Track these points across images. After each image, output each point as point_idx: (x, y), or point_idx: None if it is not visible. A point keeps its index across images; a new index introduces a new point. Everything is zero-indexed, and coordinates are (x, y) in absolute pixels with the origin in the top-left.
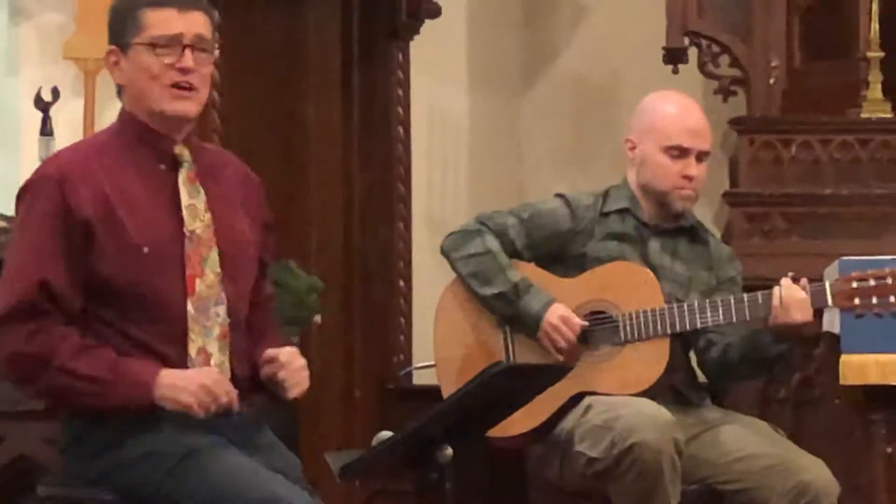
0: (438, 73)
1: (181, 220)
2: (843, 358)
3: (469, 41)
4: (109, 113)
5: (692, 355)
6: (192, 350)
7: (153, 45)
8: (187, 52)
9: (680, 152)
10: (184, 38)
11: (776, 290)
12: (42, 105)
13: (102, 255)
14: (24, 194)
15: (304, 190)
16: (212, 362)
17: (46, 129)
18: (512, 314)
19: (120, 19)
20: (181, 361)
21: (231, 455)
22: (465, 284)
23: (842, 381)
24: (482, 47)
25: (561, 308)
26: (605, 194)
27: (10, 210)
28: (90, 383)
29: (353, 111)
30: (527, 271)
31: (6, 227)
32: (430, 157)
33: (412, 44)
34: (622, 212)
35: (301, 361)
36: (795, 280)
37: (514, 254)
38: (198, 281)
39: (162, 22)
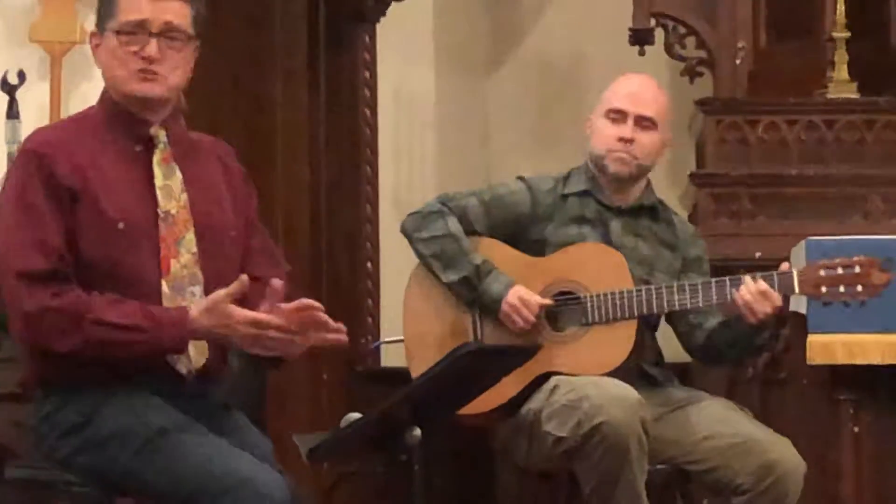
0: (405, 55)
1: (155, 201)
2: (810, 338)
3: (436, 23)
4: (76, 96)
5: (657, 336)
6: None
7: (119, 31)
8: (153, 40)
9: (618, 115)
10: (150, 24)
11: (743, 288)
12: (8, 88)
13: (80, 230)
14: (11, 171)
15: (271, 172)
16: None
17: (13, 112)
18: (474, 297)
19: (104, 2)
20: None
21: (200, 434)
22: (425, 265)
23: (809, 361)
24: (449, 29)
25: (521, 289)
26: (567, 177)
27: None
28: (128, 332)
29: (319, 93)
30: (495, 248)
31: None
32: (396, 138)
33: (379, 26)
34: (582, 194)
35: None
36: (754, 277)
37: (473, 235)
38: (172, 261)
39: (131, 7)
